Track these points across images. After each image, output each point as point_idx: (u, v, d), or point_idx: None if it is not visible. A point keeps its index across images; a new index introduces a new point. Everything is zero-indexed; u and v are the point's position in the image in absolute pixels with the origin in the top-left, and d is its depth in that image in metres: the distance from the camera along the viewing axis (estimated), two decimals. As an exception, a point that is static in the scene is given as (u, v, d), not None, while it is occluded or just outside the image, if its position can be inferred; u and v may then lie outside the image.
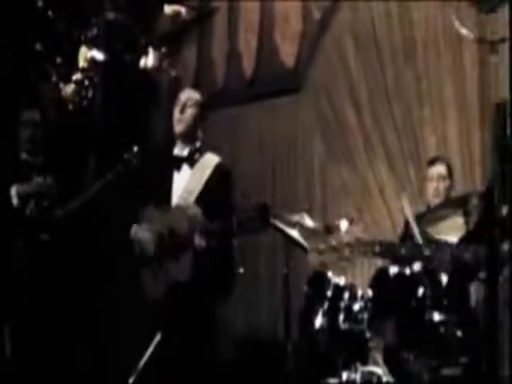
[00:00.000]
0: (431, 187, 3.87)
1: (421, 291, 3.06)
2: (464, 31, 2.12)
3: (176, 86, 5.98)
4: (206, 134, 5.69)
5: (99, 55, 5.71)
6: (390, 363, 3.21)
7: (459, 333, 3.10)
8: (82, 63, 5.73)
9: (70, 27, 5.80)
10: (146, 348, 3.16)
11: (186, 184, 3.31)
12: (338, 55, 5.21)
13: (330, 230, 3.32)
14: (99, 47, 5.73)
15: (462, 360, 3.07)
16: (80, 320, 4.28)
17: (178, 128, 3.31)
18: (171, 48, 6.20)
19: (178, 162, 3.30)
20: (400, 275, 3.09)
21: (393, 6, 4.94)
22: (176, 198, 3.26)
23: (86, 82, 5.68)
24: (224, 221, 3.07)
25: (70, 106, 5.64)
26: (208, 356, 3.28)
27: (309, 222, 3.71)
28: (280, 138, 5.40)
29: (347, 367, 3.18)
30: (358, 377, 3.13)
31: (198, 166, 3.35)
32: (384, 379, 3.13)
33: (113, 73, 5.72)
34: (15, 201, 3.50)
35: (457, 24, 2.09)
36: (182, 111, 3.29)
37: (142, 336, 3.26)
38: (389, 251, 3.02)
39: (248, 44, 5.85)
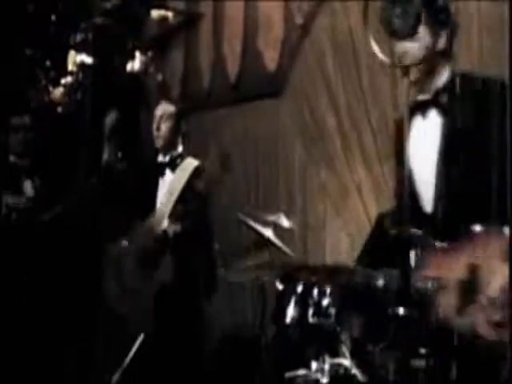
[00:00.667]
0: None
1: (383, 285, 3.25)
2: (380, 55, 2.14)
3: (162, 90, 6.18)
4: (193, 135, 5.98)
5: (87, 59, 5.88)
6: (358, 355, 3.37)
7: (422, 326, 3.28)
8: (70, 67, 5.90)
9: (60, 31, 5.96)
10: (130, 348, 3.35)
11: (168, 186, 3.51)
12: (317, 60, 5.37)
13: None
14: (87, 51, 5.90)
15: (424, 351, 3.25)
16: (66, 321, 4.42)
17: (157, 143, 3.51)
18: (158, 52, 6.37)
19: (161, 168, 3.49)
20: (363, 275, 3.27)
21: (371, 11, 5.11)
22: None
23: (75, 86, 5.84)
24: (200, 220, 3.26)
25: (59, 109, 5.81)
26: (194, 354, 3.47)
27: (285, 223, 3.91)
28: (262, 140, 5.58)
29: (316, 359, 3.35)
30: (326, 368, 3.30)
31: (178, 169, 3.54)
32: (351, 371, 3.29)
33: (101, 76, 5.89)
34: (4, 210, 3.67)
35: (375, 47, 2.08)
36: (158, 128, 3.49)
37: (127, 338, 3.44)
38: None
39: (232, 49, 6.02)
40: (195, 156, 5.72)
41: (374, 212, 4.76)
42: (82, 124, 5.78)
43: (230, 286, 4.73)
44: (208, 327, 3.99)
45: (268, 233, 3.72)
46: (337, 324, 3.33)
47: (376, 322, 3.36)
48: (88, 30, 5.96)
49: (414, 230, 2.35)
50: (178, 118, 3.59)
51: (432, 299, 2.47)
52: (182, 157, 3.62)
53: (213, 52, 6.18)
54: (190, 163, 3.59)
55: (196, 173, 3.58)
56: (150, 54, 6.01)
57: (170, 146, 3.55)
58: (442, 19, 2.31)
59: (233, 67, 6.00)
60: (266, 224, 3.79)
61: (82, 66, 5.86)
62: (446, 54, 2.35)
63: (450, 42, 2.36)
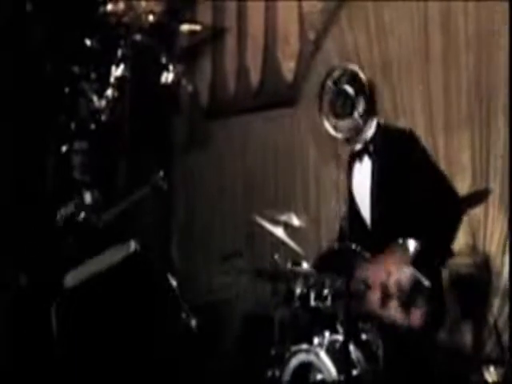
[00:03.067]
0: None
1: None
2: (331, 130, 2.97)
3: (193, 100, 6.82)
4: (220, 138, 6.61)
5: (126, 73, 6.54)
6: (352, 332, 4.00)
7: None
8: (112, 80, 6.56)
9: (103, 48, 6.60)
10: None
11: None
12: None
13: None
14: (127, 65, 6.56)
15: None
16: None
17: None
18: (188, 62, 6.98)
19: None
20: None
21: (372, 30, 5.67)
22: None
23: (116, 97, 6.49)
24: None
25: (103, 118, 6.48)
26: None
27: (295, 222, 4.45)
28: (280, 144, 6.16)
29: (318, 335, 4.01)
30: (325, 342, 3.96)
31: None
32: (346, 345, 3.92)
33: (138, 88, 6.56)
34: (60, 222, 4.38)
35: (326, 125, 2.96)
36: None
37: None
38: None
39: (254, 60, 6.53)
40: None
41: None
42: (122, 131, 6.49)
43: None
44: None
45: (279, 232, 4.32)
46: (334, 307, 3.97)
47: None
48: (127, 46, 6.61)
49: (351, 245, 3.08)
50: None
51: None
52: None
53: (237, 62, 6.70)
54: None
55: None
56: (181, 67, 6.61)
57: None
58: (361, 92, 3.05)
59: (255, 76, 6.54)
60: (277, 223, 4.37)
61: (121, 79, 6.51)
62: (372, 112, 3.07)
63: (372, 103, 3.07)
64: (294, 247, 4.31)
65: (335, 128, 3.25)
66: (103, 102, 6.47)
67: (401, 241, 2.86)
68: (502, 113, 4.87)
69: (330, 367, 3.73)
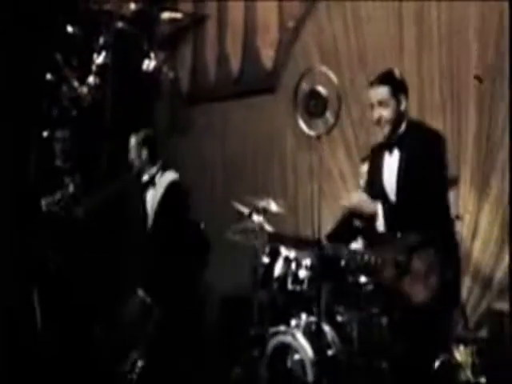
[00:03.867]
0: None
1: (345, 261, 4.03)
2: (307, 131, 3.10)
3: (174, 86, 6.87)
4: (200, 124, 6.66)
5: (108, 60, 6.55)
6: (327, 314, 4.14)
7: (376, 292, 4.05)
8: (94, 67, 6.57)
9: (85, 35, 6.60)
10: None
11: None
12: (306, 61, 6.02)
13: None
14: (108, 52, 6.58)
15: (376, 311, 4.02)
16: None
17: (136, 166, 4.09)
18: (170, 50, 7.02)
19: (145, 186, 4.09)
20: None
21: (349, 21, 5.76)
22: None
23: (98, 84, 6.51)
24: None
25: (85, 105, 6.49)
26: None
27: (274, 208, 4.55)
28: (259, 131, 6.24)
29: (295, 317, 4.14)
30: (302, 323, 4.08)
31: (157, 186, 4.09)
32: (321, 326, 4.05)
33: (120, 75, 6.58)
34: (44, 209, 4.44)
35: (302, 125, 3.08)
36: (139, 155, 4.06)
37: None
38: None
39: (234, 48, 6.60)
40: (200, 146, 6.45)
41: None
42: (104, 119, 6.51)
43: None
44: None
45: (259, 218, 4.41)
46: (310, 290, 4.10)
47: (341, 288, 4.13)
48: (109, 33, 6.61)
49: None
50: (153, 143, 4.10)
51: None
52: (163, 169, 4.17)
53: (217, 50, 6.78)
54: (165, 180, 4.12)
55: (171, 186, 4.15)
56: (163, 54, 6.65)
57: (148, 167, 4.07)
58: (402, 92, 3.26)
59: (235, 64, 6.61)
60: (256, 210, 4.46)
61: (103, 66, 6.53)
62: (405, 114, 3.27)
63: (405, 107, 3.27)
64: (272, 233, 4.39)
65: (309, 126, 3.49)
66: (85, 89, 6.48)
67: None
68: (473, 103, 5.00)
69: (306, 348, 3.86)
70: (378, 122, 3.25)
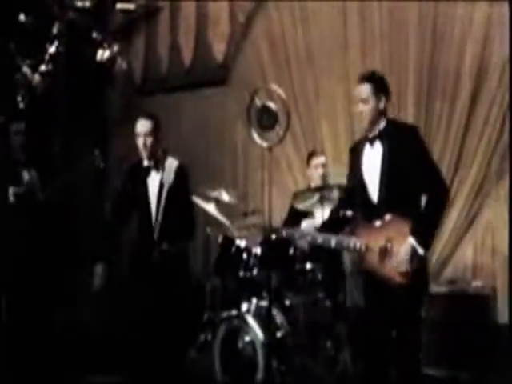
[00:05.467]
0: (315, 173, 4.77)
1: (293, 249, 4.21)
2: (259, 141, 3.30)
3: (127, 77, 6.88)
4: (154, 113, 6.66)
5: (61, 49, 6.50)
6: (276, 299, 4.29)
7: (321, 278, 4.24)
8: (47, 56, 6.51)
9: (37, 25, 6.52)
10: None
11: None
12: (256, 54, 6.12)
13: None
14: (61, 42, 6.53)
15: (321, 295, 4.21)
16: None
17: (145, 155, 4.10)
18: (123, 40, 6.99)
19: (147, 170, 4.09)
20: (280, 239, 4.20)
21: (297, 17, 5.87)
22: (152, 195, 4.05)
23: (50, 73, 6.45)
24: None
25: (38, 93, 6.42)
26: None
27: (226, 198, 4.66)
28: (211, 121, 6.32)
29: (246, 301, 4.28)
30: (252, 308, 4.23)
31: (166, 168, 4.05)
32: (271, 310, 4.21)
33: (72, 65, 6.54)
34: (11, 198, 4.46)
35: (255, 137, 3.31)
36: (145, 144, 4.04)
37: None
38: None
39: (187, 40, 6.59)
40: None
41: (300, 184, 5.63)
42: (57, 108, 6.47)
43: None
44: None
45: (210, 208, 4.53)
46: (260, 276, 4.25)
47: (290, 273, 4.29)
48: (62, 23, 6.55)
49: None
50: (157, 131, 4.09)
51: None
52: (164, 156, 4.15)
53: (170, 41, 6.76)
54: (172, 162, 4.12)
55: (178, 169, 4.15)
56: (117, 45, 6.62)
57: (153, 153, 4.05)
58: (382, 91, 3.42)
59: (187, 56, 6.62)
60: (208, 199, 4.57)
61: (56, 55, 6.47)
62: (384, 111, 3.45)
63: (384, 105, 3.45)
64: (224, 222, 4.51)
65: (261, 138, 3.80)
66: (37, 77, 6.42)
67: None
68: (412, 100, 5.20)
69: (256, 331, 4.01)
70: (360, 115, 3.47)
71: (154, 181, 4.04)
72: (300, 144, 5.81)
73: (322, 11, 5.68)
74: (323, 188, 4.26)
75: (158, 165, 4.05)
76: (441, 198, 3.37)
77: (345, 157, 5.35)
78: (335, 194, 4.10)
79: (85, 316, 5.16)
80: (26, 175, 4.57)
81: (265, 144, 3.87)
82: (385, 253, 3.31)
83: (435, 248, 4.83)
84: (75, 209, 4.80)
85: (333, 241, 3.47)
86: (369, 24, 5.45)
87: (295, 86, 5.88)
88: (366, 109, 3.42)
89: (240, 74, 6.27)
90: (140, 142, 4.04)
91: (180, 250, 3.94)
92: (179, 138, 6.45)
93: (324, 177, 4.74)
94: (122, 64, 6.66)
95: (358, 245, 3.38)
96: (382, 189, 3.37)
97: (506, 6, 4.77)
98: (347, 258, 4.58)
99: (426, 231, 3.29)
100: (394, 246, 3.30)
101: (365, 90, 3.43)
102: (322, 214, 4.09)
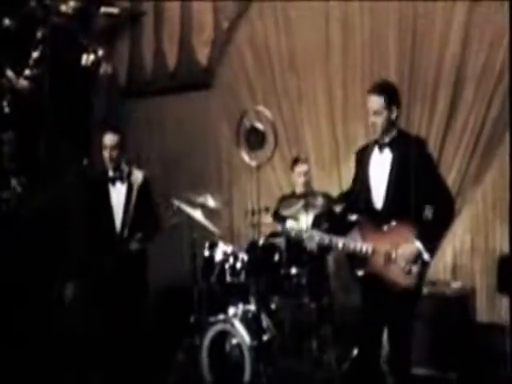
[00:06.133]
0: (299, 180, 4.81)
1: (278, 255, 4.25)
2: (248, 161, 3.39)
3: (112, 81, 6.85)
4: (138, 117, 6.66)
5: (45, 54, 6.46)
6: (262, 303, 4.35)
7: (305, 281, 4.29)
8: (31, 61, 6.47)
9: (21, 29, 6.48)
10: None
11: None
12: (239, 59, 6.14)
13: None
14: (45, 47, 6.49)
15: (306, 298, 4.27)
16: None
17: (110, 166, 4.22)
18: (107, 44, 6.96)
19: (113, 181, 4.24)
20: (265, 245, 4.25)
21: (281, 24, 5.90)
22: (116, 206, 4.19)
23: (36, 77, 6.41)
24: None
25: (23, 96, 6.37)
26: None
27: (212, 203, 4.68)
28: (195, 125, 6.32)
29: (233, 305, 4.33)
30: (239, 312, 4.28)
31: (132, 180, 4.25)
32: (257, 314, 4.26)
33: (58, 70, 6.50)
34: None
35: (245, 157, 3.40)
36: (110, 156, 4.20)
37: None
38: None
39: (171, 44, 6.58)
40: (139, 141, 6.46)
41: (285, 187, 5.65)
42: (42, 109, 6.41)
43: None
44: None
45: (196, 214, 4.55)
46: (246, 281, 4.30)
47: (274, 279, 4.34)
48: (46, 27, 6.51)
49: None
50: (122, 144, 4.27)
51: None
52: (128, 168, 4.34)
53: (154, 45, 6.73)
54: (138, 175, 4.31)
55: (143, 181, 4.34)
56: (101, 50, 6.59)
57: (117, 165, 4.25)
58: (394, 103, 3.49)
59: (171, 60, 6.61)
60: (194, 205, 4.59)
61: (40, 60, 6.43)
62: (395, 122, 3.53)
63: (396, 116, 3.52)
64: (210, 228, 4.54)
65: (250, 157, 4.00)
66: (23, 82, 6.38)
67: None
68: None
69: (243, 334, 4.06)
70: (372, 126, 3.51)
71: (118, 191, 4.23)
72: (284, 149, 5.82)
73: (304, 20, 5.71)
74: (307, 195, 4.30)
75: (123, 176, 4.23)
76: (448, 210, 3.48)
77: (328, 161, 5.55)
78: (320, 200, 4.15)
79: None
80: (15, 184, 4.56)
81: (253, 163, 4.08)
82: (390, 257, 3.40)
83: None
84: (60, 221, 4.80)
85: (340, 243, 3.53)
86: (350, 30, 5.50)
87: (278, 89, 5.92)
88: (378, 121, 3.45)
89: (224, 79, 6.29)
90: (106, 154, 4.24)
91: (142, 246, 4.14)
92: (163, 141, 6.48)
93: (306, 184, 4.80)
94: (107, 68, 6.64)
95: (364, 248, 3.45)
96: (388, 195, 3.45)
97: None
98: (331, 261, 4.64)
99: (432, 239, 3.40)
100: (398, 250, 3.39)
101: (378, 102, 3.45)
102: (306, 219, 4.14)
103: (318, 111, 5.69)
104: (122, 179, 4.23)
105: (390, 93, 3.47)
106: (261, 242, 4.18)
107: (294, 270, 4.33)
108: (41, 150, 5.83)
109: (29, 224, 4.51)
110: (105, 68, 6.60)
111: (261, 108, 4.29)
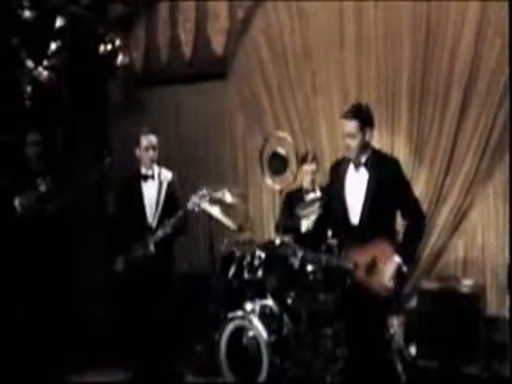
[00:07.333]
0: (306, 178, 4.80)
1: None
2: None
3: (129, 70, 6.82)
4: (154, 105, 6.64)
5: (65, 44, 6.43)
6: (279, 299, 4.40)
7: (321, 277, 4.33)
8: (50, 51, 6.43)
9: (40, 21, 6.43)
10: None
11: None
12: (254, 50, 6.07)
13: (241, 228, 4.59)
14: (65, 36, 6.45)
15: (322, 294, 4.32)
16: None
17: (146, 165, 4.41)
18: (123, 31, 6.90)
19: (146, 178, 4.44)
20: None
21: (294, 14, 5.83)
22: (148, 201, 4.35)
23: (55, 67, 6.39)
24: None
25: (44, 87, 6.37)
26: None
27: (229, 199, 4.68)
28: (210, 114, 6.30)
29: (251, 301, 4.38)
30: (257, 307, 4.34)
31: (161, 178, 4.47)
32: (274, 310, 4.32)
33: (76, 59, 6.48)
34: (19, 209, 4.51)
35: (269, 181, 3.44)
36: (149, 157, 4.39)
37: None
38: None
39: (186, 33, 6.50)
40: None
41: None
42: (61, 99, 6.41)
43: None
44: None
45: (215, 211, 4.57)
46: (263, 278, 4.34)
47: (290, 276, 4.39)
48: (64, 17, 6.46)
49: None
50: (158, 146, 4.44)
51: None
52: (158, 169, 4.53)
53: (170, 33, 6.65)
54: (167, 175, 4.53)
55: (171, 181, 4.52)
56: (118, 39, 6.53)
57: (151, 164, 4.43)
58: (368, 125, 3.63)
59: (187, 48, 6.55)
60: (212, 202, 4.60)
61: (59, 50, 6.39)
62: (369, 142, 3.67)
63: (366, 135, 3.67)
64: (228, 224, 4.57)
65: (274, 182, 4.23)
66: (44, 73, 6.36)
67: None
68: (406, 95, 5.22)
69: (261, 331, 4.12)
70: (347, 148, 3.69)
71: (149, 187, 4.45)
72: (298, 137, 5.78)
73: (318, 12, 5.63)
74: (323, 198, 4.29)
75: (154, 174, 4.47)
76: (421, 225, 3.65)
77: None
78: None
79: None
80: (41, 184, 4.60)
81: (277, 187, 4.27)
82: (371, 269, 3.55)
83: (426, 243, 4.94)
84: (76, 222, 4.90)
85: (323, 260, 3.73)
86: (365, 24, 5.42)
87: (292, 80, 5.87)
88: (352, 143, 3.61)
89: (239, 69, 6.24)
90: (144, 153, 4.43)
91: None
92: (178, 130, 6.46)
93: (313, 182, 4.84)
94: (124, 58, 6.60)
95: (346, 264, 3.62)
96: (364, 211, 3.58)
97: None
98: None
99: (408, 253, 3.57)
100: (378, 263, 3.55)
101: (352, 126, 3.61)
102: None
103: (332, 103, 5.64)
104: (153, 177, 4.45)
105: (362, 116, 3.62)
106: (277, 241, 4.20)
107: (309, 267, 4.36)
108: (58, 145, 5.86)
109: (55, 222, 4.55)
110: (122, 58, 6.56)
111: (283, 134, 4.44)
